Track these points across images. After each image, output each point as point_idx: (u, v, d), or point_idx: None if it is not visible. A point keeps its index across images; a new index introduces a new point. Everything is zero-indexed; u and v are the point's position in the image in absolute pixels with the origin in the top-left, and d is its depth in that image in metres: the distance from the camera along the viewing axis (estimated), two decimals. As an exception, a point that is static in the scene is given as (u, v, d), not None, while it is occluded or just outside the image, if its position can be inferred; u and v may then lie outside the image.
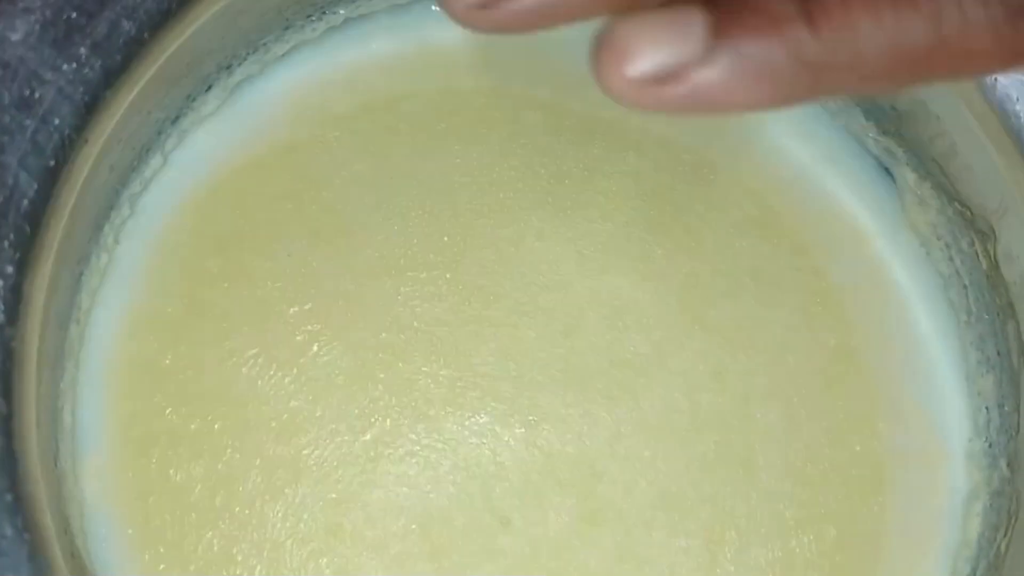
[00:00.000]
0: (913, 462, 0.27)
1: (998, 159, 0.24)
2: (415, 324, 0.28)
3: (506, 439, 0.27)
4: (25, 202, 0.18)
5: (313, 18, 0.28)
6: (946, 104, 0.24)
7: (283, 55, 0.28)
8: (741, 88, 0.15)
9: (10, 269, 0.18)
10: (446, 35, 0.29)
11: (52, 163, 0.18)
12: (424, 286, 0.28)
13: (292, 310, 0.27)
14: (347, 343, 0.27)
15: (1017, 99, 0.22)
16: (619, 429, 0.27)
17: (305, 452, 0.27)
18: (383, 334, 0.27)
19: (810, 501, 0.27)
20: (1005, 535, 0.24)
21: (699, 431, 0.27)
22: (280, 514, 0.26)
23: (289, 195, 0.28)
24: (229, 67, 0.27)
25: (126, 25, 0.19)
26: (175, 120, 0.27)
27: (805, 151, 0.29)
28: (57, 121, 0.18)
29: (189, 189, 0.28)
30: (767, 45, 0.15)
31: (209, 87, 0.27)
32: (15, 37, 0.17)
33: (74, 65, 0.18)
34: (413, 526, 0.26)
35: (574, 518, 0.26)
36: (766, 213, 0.29)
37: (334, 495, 0.26)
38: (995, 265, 0.25)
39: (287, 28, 0.27)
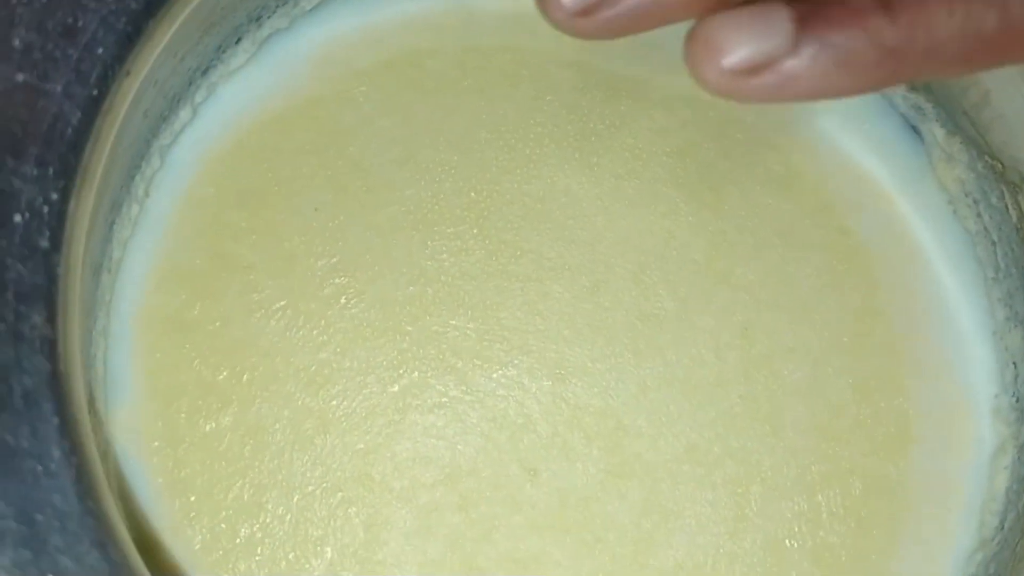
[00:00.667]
0: (940, 418, 0.27)
1: None
2: (442, 278, 0.28)
3: (533, 392, 0.27)
4: (69, 130, 0.18)
5: (342, -28, 0.28)
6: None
7: (311, 9, 0.29)
8: (826, 75, 0.17)
9: (55, 196, 0.18)
10: (472, -6, 0.30)
11: (95, 92, 0.18)
12: (451, 240, 0.28)
13: (319, 263, 0.27)
14: (374, 296, 0.27)
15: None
16: (645, 383, 0.27)
17: (334, 403, 0.27)
18: (410, 288, 0.28)
19: (836, 456, 0.27)
20: None
21: (725, 386, 0.27)
22: (309, 463, 0.26)
23: (315, 150, 0.28)
24: (259, 19, 0.27)
25: (167, -40, 0.19)
26: (205, 72, 0.27)
27: (831, 109, 0.29)
28: (100, 51, 0.18)
29: (217, 142, 0.28)
30: (849, 34, 0.17)
31: (239, 39, 0.27)
32: (60, -36, 0.18)
33: (116, -5, 0.18)
34: (441, 476, 0.26)
35: (601, 470, 0.27)
36: (791, 171, 0.29)
37: (362, 445, 0.26)
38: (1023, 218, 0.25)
39: (315, -19, 0.27)
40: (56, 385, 0.17)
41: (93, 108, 0.18)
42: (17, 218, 0.17)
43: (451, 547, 0.26)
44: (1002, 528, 0.25)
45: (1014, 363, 0.26)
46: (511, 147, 0.29)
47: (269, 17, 0.27)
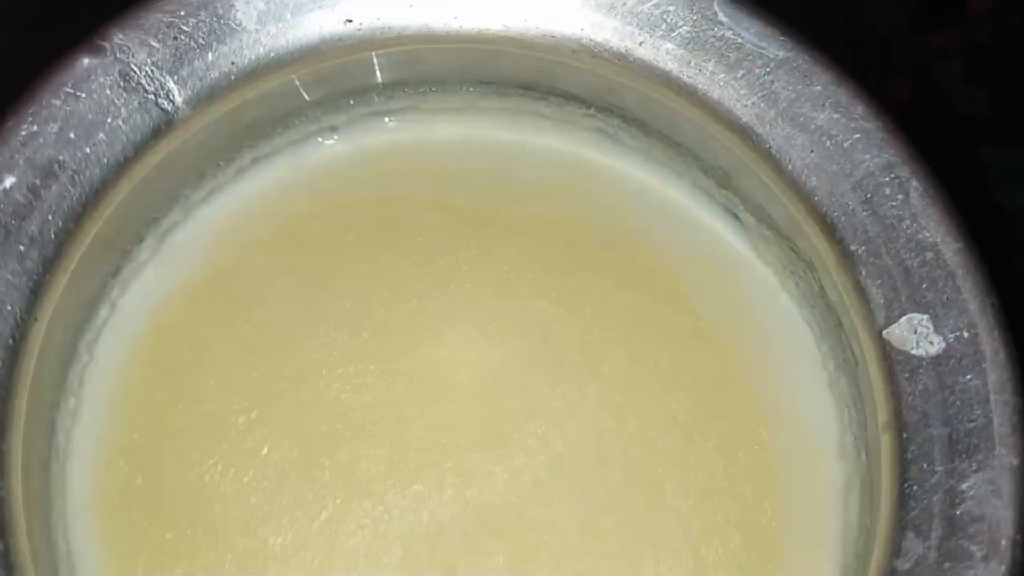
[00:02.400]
0: (797, 464, 0.31)
1: (793, 211, 0.28)
2: (349, 413, 0.31)
3: (443, 500, 0.31)
4: (-2, 374, 0.22)
5: (223, 165, 0.32)
6: (745, 171, 0.28)
7: (202, 199, 0.33)
8: None
9: None
10: (342, 160, 0.34)
11: (11, 341, 0.22)
12: (352, 379, 0.32)
13: (240, 419, 0.31)
14: (292, 439, 0.31)
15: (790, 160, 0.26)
16: (538, 475, 0.31)
17: (270, 540, 0.30)
18: (323, 426, 0.31)
19: (714, 512, 0.31)
20: (869, 512, 0.28)
21: (608, 466, 0.31)
22: (255, 599, 0.30)
23: (223, 320, 0.32)
24: (156, 219, 0.31)
25: (52, 219, 0.23)
26: (115, 273, 0.31)
27: (666, 208, 0.33)
28: (10, 307, 0.22)
29: (137, 328, 0.32)
30: None
31: (141, 239, 0.31)
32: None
33: (15, 260, 0.22)
34: (372, 591, 0.30)
35: (511, 559, 0.30)
36: (641, 269, 0.33)
37: (300, 574, 0.30)
38: (823, 289, 0.29)
39: (202, 178, 0.32)
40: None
41: (12, 353, 0.22)
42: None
43: None
44: (857, 554, 0.29)
45: (848, 407, 0.30)
46: (394, 287, 0.33)
47: (165, 216, 0.31)
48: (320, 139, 0.34)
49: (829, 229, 0.26)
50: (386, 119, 0.34)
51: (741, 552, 0.30)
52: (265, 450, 0.31)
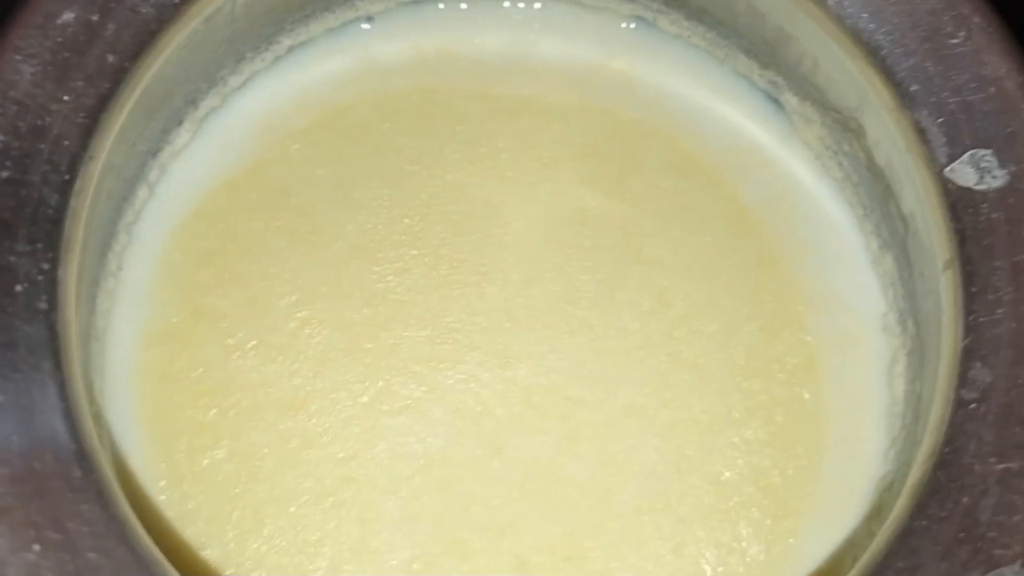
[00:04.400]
0: (840, 342, 0.31)
1: (845, 59, 0.28)
2: (391, 296, 0.31)
3: (486, 381, 0.31)
4: (50, 211, 0.21)
5: (261, 49, 0.32)
6: (799, 25, 0.28)
7: (239, 86, 0.32)
8: None
9: (46, 266, 0.21)
10: (380, 49, 0.34)
11: (67, 177, 0.22)
12: (393, 263, 0.32)
13: (281, 302, 0.31)
14: (334, 323, 0.31)
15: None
16: (582, 357, 0.31)
17: (313, 421, 0.30)
18: (364, 310, 0.31)
19: (756, 391, 0.31)
20: (919, 378, 0.28)
21: (651, 348, 0.31)
22: (299, 477, 0.29)
23: (263, 206, 0.32)
24: (194, 101, 0.31)
25: (110, 59, 0.23)
26: (155, 154, 0.31)
27: (706, 96, 0.33)
28: (66, 142, 0.22)
29: (175, 213, 0.32)
30: None
31: (180, 121, 0.31)
32: (24, 78, 0.21)
33: (73, 96, 0.22)
34: (417, 468, 0.29)
35: (555, 439, 0.30)
36: (681, 156, 0.33)
37: (343, 454, 0.30)
38: (870, 155, 0.29)
39: (239, 60, 0.31)
40: (70, 417, 0.20)
41: (67, 189, 0.22)
42: (18, 288, 0.21)
43: (436, 527, 0.29)
44: (904, 425, 0.29)
45: (892, 284, 0.30)
46: (434, 174, 0.33)
47: (203, 98, 0.31)
48: (357, 26, 0.33)
49: (888, 72, 0.26)
50: (423, 7, 0.34)
51: (784, 430, 0.30)
52: (307, 333, 0.31)
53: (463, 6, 0.34)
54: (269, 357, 0.31)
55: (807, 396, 0.31)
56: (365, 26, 0.34)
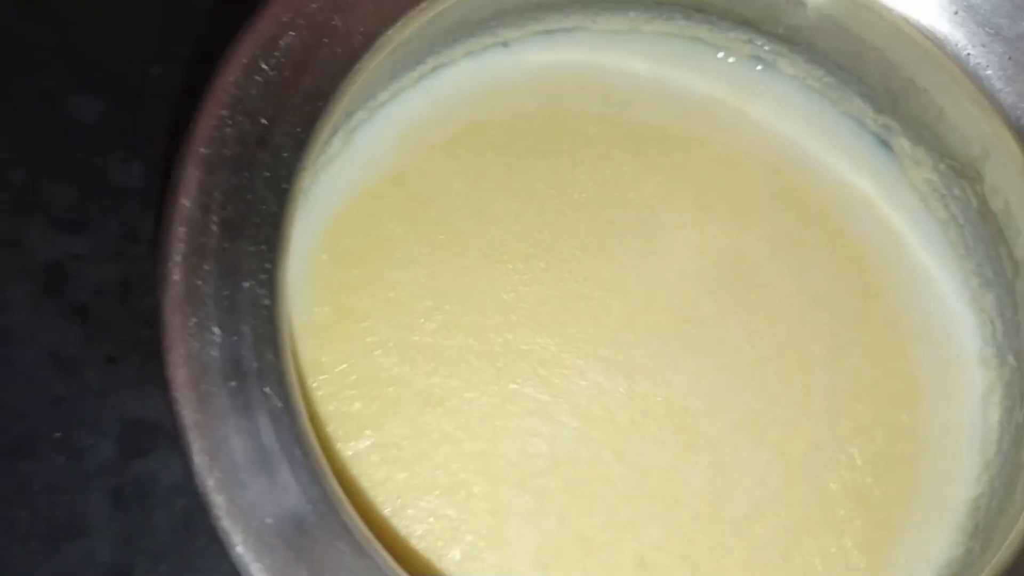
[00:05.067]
0: (938, 372, 0.33)
1: (978, 115, 0.30)
2: (521, 305, 0.34)
3: (609, 390, 0.33)
4: (271, 216, 0.24)
5: (410, 68, 0.34)
6: (931, 79, 0.30)
7: (386, 101, 0.35)
8: None
9: (268, 265, 0.24)
10: (515, 73, 0.36)
11: (284, 185, 0.24)
12: (524, 274, 0.34)
13: (420, 305, 0.33)
14: (468, 327, 0.33)
15: (987, 67, 0.29)
16: (699, 372, 0.33)
17: (449, 417, 0.32)
18: (496, 316, 0.33)
19: (859, 412, 0.33)
20: (1021, 407, 0.31)
21: (763, 365, 0.33)
22: (437, 469, 0.32)
23: (404, 213, 0.34)
24: (349, 114, 0.33)
25: (323, 80, 0.25)
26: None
27: (817, 136, 0.36)
28: (285, 154, 0.24)
29: (324, 217, 0.34)
30: None
31: (335, 132, 0.33)
32: (250, 93, 0.24)
33: (290, 111, 0.24)
34: (546, 466, 0.32)
35: (673, 446, 0.32)
36: (794, 189, 0.36)
37: (477, 449, 0.32)
38: (984, 201, 0.32)
39: (392, 79, 0.34)
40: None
41: (284, 197, 0.24)
42: (245, 284, 0.24)
43: (562, 521, 0.31)
44: (1000, 450, 0.31)
45: (991, 321, 0.33)
46: (563, 193, 0.35)
47: (356, 112, 0.33)
48: (495, 50, 0.36)
49: (1021, 131, 0.28)
50: (555, 36, 0.36)
51: (886, 449, 0.33)
52: (443, 335, 0.33)
53: (594, 35, 0.36)
54: (408, 356, 0.33)
55: (907, 421, 0.33)
56: (502, 50, 0.36)
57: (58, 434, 0.35)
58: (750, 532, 0.31)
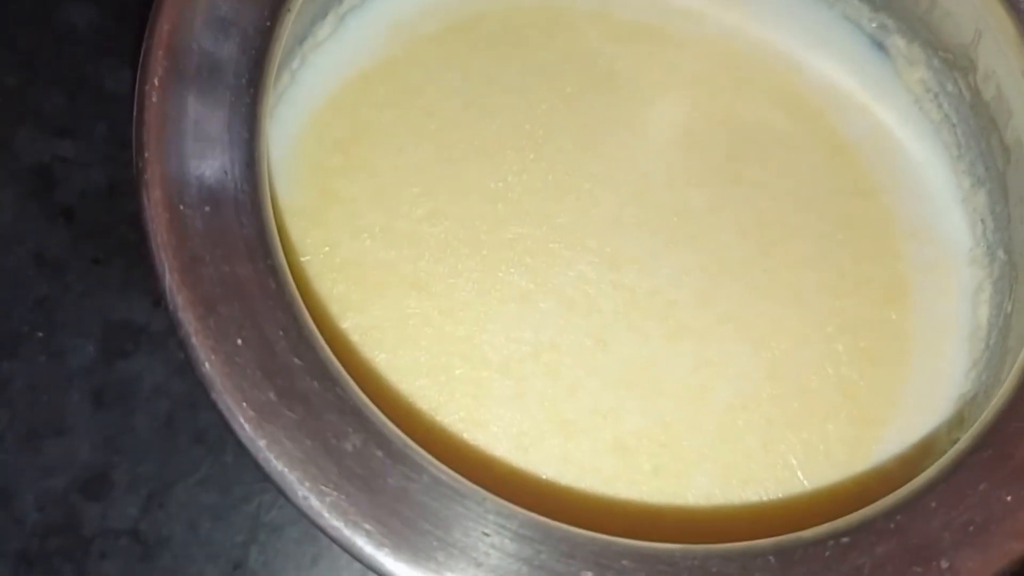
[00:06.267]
0: (928, 272, 0.33)
1: None
2: (509, 195, 0.33)
3: (594, 280, 0.32)
4: (253, 52, 0.24)
5: (403, -45, 0.34)
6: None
7: (378, -11, 0.34)
8: None
9: (248, 100, 0.24)
10: (510, -35, 0.36)
11: (268, 23, 0.24)
12: (513, 164, 0.34)
13: (407, 192, 0.33)
14: (456, 216, 0.33)
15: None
16: (685, 265, 0.33)
17: (432, 302, 0.32)
18: (484, 206, 0.33)
19: (846, 310, 0.33)
20: (1009, 298, 0.30)
21: (749, 263, 0.33)
22: (419, 352, 0.31)
23: (393, 102, 0.34)
24: (340, -2, 0.33)
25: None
26: (300, 43, 0.33)
27: (813, 37, 0.35)
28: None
29: (312, 101, 0.34)
30: None
31: (325, 15, 0.33)
32: None
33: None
34: (529, 352, 0.31)
35: (657, 337, 0.32)
36: (787, 91, 0.35)
37: (461, 333, 0.32)
38: (976, 92, 0.31)
39: (384, -38, 0.33)
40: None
41: (269, 36, 0.24)
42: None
43: (543, 406, 0.31)
44: (988, 347, 0.31)
45: (982, 220, 0.33)
46: (554, 87, 0.35)
47: (348, -6, 0.33)
48: (491, -56, 0.35)
49: (1010, 3, 0.28)
50: (553, -66, 0.36)
51: (873, 347, 0.32)
52: (431, 220, 0.33)
53: (590, -65, 0.36)
54: (394, 241, 0.32)
55: (895, 318, 0.33)
56: (498, -55, 0.35)
57: (41, 334, 0.35)
58: (731, 423, 0.31)
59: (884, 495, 0.25)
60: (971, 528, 0.24)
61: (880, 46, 0.34)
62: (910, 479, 0.25)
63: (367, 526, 0.23)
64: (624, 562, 0.23)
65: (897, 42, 0.34)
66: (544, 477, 0.30)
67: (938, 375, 0.32)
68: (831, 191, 0.34)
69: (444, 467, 0.24)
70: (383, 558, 0.23)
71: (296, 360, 0.24)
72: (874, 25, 0.34)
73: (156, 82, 0.24)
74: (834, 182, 0.34)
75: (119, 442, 0.34)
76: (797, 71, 0.35)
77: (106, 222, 0.37)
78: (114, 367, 0.35)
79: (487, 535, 0.23)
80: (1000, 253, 0.32)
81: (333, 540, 0.23)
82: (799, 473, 0.30)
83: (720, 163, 0.34)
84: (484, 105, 0.34)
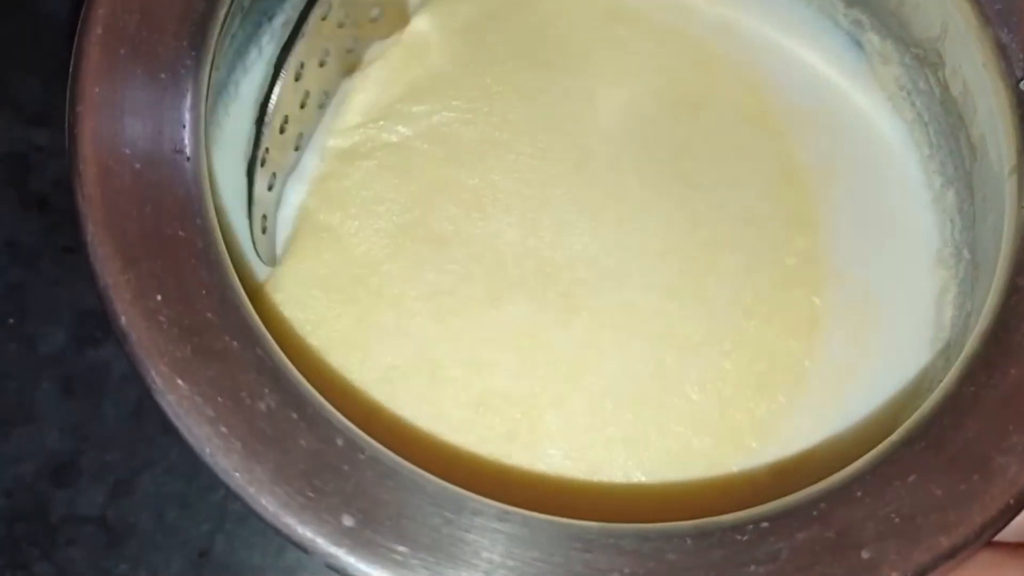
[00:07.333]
0: (894, 275, 0.30)
1: None
2: (453, 140, 0.31)
3: (510, 241, 0.30)
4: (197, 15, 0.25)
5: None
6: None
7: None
8: None
9: (189, 62, 0.25)
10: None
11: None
12: (465, 114, 0.32)
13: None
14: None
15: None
16: (603, 247, 0.30)
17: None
18: (426, 146, 0.31)
19: (749, 331, 0.30)
20: (971, 298, 0.28)
21: (667, 260, 0.30)
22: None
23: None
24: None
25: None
26: (271, 17, 0.31)
27: (790, 34, 0.33)
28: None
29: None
30: None
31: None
32: None
33: None
34: (424, 290, 0.29)
35: (553, 308, 0.30)
36: (757, 99, 0.33)
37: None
38: (945, 87, 0.29)
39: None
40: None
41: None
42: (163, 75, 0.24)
43: (420, 346, 0.29)
44: (948, 346, 0.28)
45: (951, 220, 0.30)
46: (525, 55, 0.33)
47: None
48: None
49: None
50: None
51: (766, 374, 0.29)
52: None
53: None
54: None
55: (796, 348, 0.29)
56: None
57: (11, 320, 0.36)
58: (598, 408, 0.28)
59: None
60: (896, 519, 0.22)
61: (857, 43, 0.33)
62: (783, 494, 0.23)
63: (276, 488, 0.22)
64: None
65: (872, 39, 0.32)
66: (402, 416, 0.28)
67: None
68: (789, 200, 0.31)
69: (357, 429, 0.23)
70: (286, 518, 0.22)
71: (216, 319, 0.23)
72: (849, 21, 0.33)
73: (95, 37, 0.24)
74: (800, 185, 0.31)
75: (87, 430, 0.34)
76: (771, 75, 0.33)
77: (80, 211, 0.38)
78: (84, 355, 0.35)
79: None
80: (965, 252, 0.29)
81: (241, 500, 0.22)
82: (643, 478, 0.27)
83: (669, 157, 0.32)
84: (456, 60, 0.33)
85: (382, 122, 0.32)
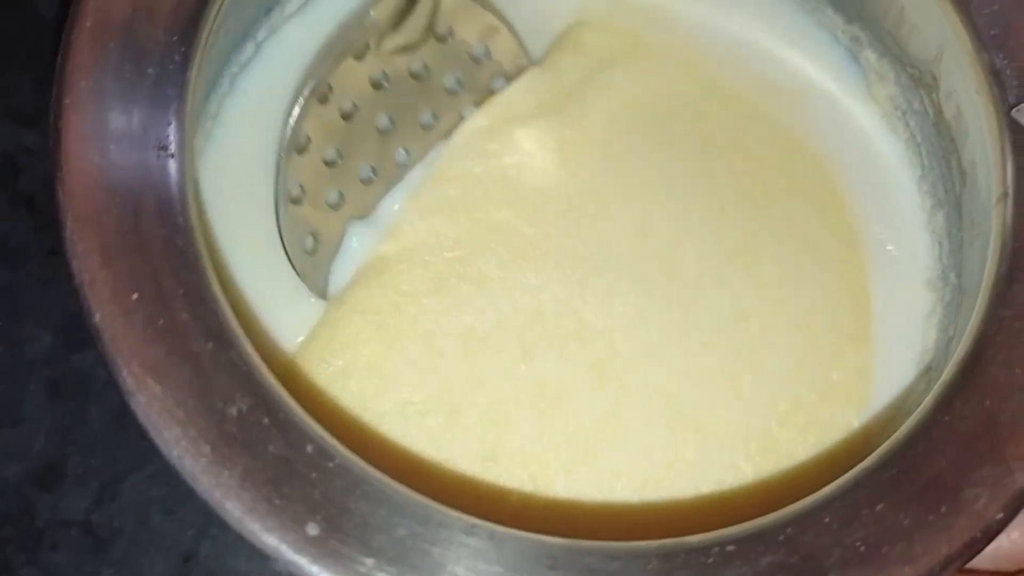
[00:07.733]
0: (886, 297, 0.31)
1: (936, 8, 0.28)
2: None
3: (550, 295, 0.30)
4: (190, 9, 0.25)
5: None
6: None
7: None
8: None
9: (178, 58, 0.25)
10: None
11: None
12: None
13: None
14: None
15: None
16: (649, 319, 0.30)
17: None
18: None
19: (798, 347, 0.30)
20: (954, 322, 0.28)
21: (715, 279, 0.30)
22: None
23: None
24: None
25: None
26: (267, 14, 0.32)
27: (792, 45, 0.33)
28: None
29: (277, 74, 0.33)
30: None
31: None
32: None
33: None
34: (460, 332, 0.29)
35: (581, 367, 0.29)
36: (760, 101, 0.33)
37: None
38: (939, 109, 0.30)
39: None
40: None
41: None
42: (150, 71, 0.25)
43: (441, 389, 0.29)
44: (930, 370, 0.29)
45: (940, 242, 0.31)
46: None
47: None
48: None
49: (971, 17, 0.27)
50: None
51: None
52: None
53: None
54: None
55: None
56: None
57: None
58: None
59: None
60: (862, 548, 0.22)
61: (855, 58, 0.33)
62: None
63: (243, 493, 0.22)
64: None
65: (869, 56, 0.32)
66: (408, 451, 0.28)
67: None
68: (799, 208, 0.31)
69: (328, 436, 0.23)
70: (251, 524, 0.22)
71: (192, 320, 0.23)
72: (848, 37, 0.33)
73: (84, 30, 0.24)
74: (803, 199, 0.31)
75: (73, 434, 0.34)
76: (771, 86, 0.33)
77: (69, 213, 0.37)
78: (71, 358, 0.35)
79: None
80: (952, 276, 0.30)
81: (207, 503, 0.22)
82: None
83: (691, 170, 0.31)
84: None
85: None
